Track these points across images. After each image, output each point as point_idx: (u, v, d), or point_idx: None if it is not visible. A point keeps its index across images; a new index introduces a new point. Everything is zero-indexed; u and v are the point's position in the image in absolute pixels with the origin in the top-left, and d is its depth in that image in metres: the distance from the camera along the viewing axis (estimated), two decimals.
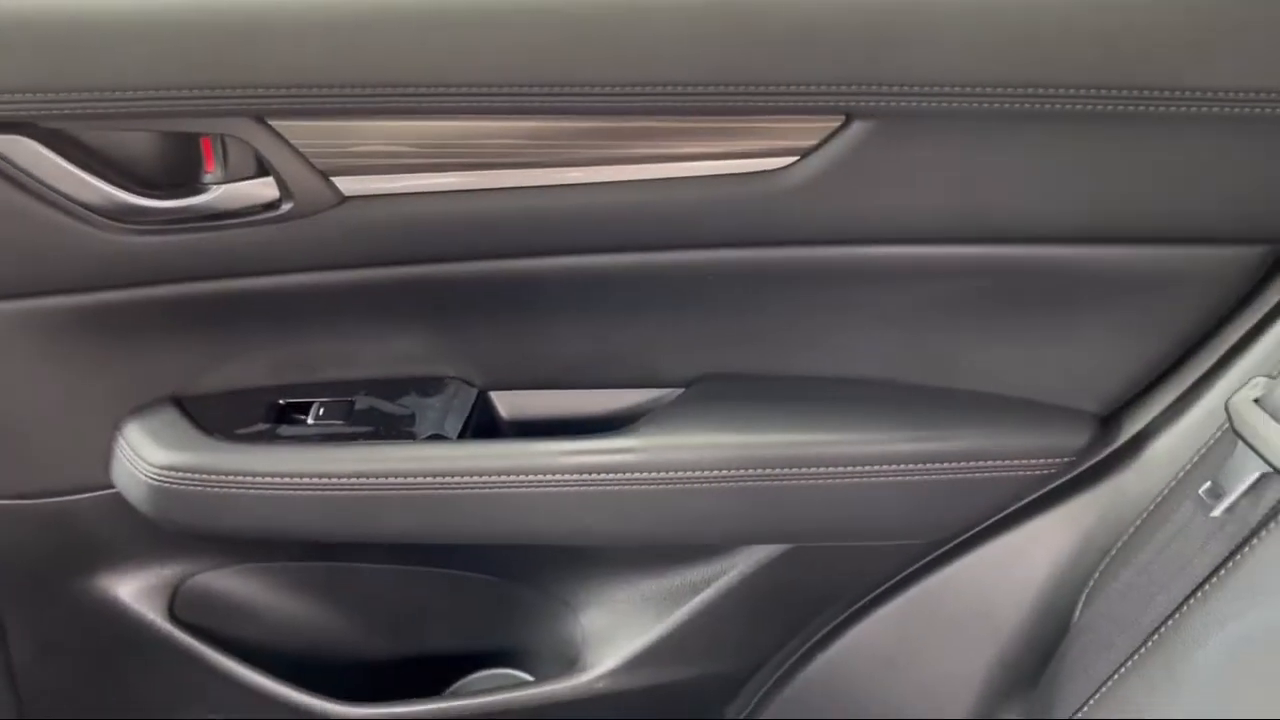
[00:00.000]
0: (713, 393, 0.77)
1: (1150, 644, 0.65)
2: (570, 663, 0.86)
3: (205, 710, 0.88)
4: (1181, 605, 0.64)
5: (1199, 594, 0.62)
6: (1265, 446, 0.59)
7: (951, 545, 0.81)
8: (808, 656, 0.87)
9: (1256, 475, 0.60)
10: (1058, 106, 0.61)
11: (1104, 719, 0.68)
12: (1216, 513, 0.62)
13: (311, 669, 0.87)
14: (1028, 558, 0.79)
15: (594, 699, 0.84)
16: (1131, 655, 0.67)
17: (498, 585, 0.89)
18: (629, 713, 0.86)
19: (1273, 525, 0.59)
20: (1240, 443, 0.62)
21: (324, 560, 0.87)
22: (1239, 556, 0.60)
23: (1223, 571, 0.61)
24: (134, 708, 0.89)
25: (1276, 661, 0.58)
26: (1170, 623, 0.65)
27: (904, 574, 0.82)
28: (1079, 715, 0.70)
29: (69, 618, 0.83)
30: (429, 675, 0.91)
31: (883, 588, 0.83)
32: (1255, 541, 0.59)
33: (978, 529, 0.80)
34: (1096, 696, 0.69)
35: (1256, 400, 0.62)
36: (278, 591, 0.86)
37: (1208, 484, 0.63)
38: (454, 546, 0.86)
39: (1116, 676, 0.68)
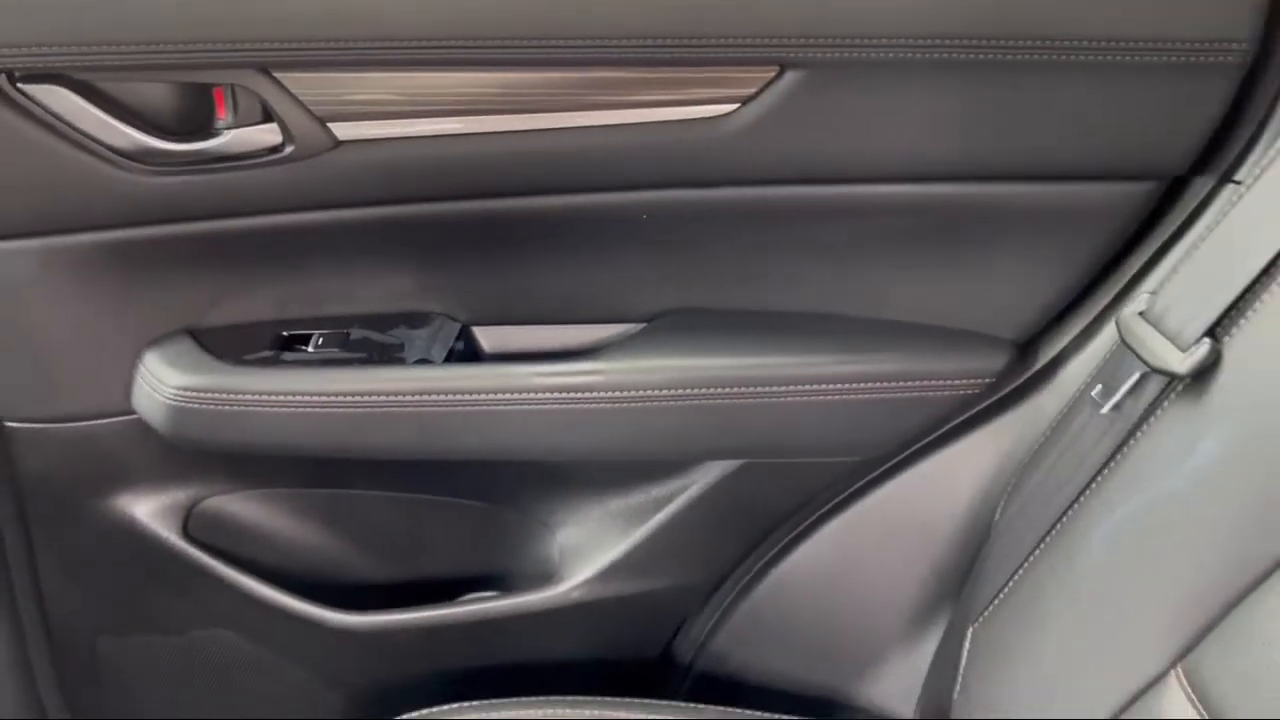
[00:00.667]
0: (673, 325, 0.85)
1: (1052, 535, 0.74)
2: (548, 578, 0.94)
3: (216, 623, 0.96)
4: (1078, 497, 0.72)
5: (1092, 485, 0.70)
6: (1145, 350, 0.67)
7: (887, 465, 0.89)
8: (763, 572, 0.95)
9: (1137, 376, 0.68)
10: (964, 56, 0.69)
11: (1013, 606, 0.76)
12: (1105, 410, 0.70)
13: (311, 587, 0.94)
14: (956, 473, 0.87)
15: (570, 608, 0.92)
16: (1036, 547, 0.75)
17: (481, 509, 0.97)
18: (603, 622, 0.94)
19: (1152, 419, 0.67)
20: (1128, 351, 0.70)
21: (322, 487, 0.95)
22: (1125, 449, 0.68)
23: (1112, 464, 0.69)
24: (152, 621, 0.96)
25: (1156, 540, 0.66)
26: (1069, 514, 0.73)
27: (846, 492, 0.90)
28: (993, 604, 0.78)
29: (92, 536, 0.91)
30: (419, 599, 0.98)
31: (828, 505, 0.91)
32: (1139, 434, 0.67)
33: (911, 449, 0.88)
34: (1008, 587, 0.77)
35: (1141, 313, 0.70)
36: (280, 516, 0.94)
37: (1099, 387, 0.71)
38: (441, 474, 0.94)
39: (1024, 568, 0.76)
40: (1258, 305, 0.61)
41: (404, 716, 0.83)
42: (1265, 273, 0.61)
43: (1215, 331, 0.63)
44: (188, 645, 0.98)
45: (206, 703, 1.03)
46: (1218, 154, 0.74)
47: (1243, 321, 0.62)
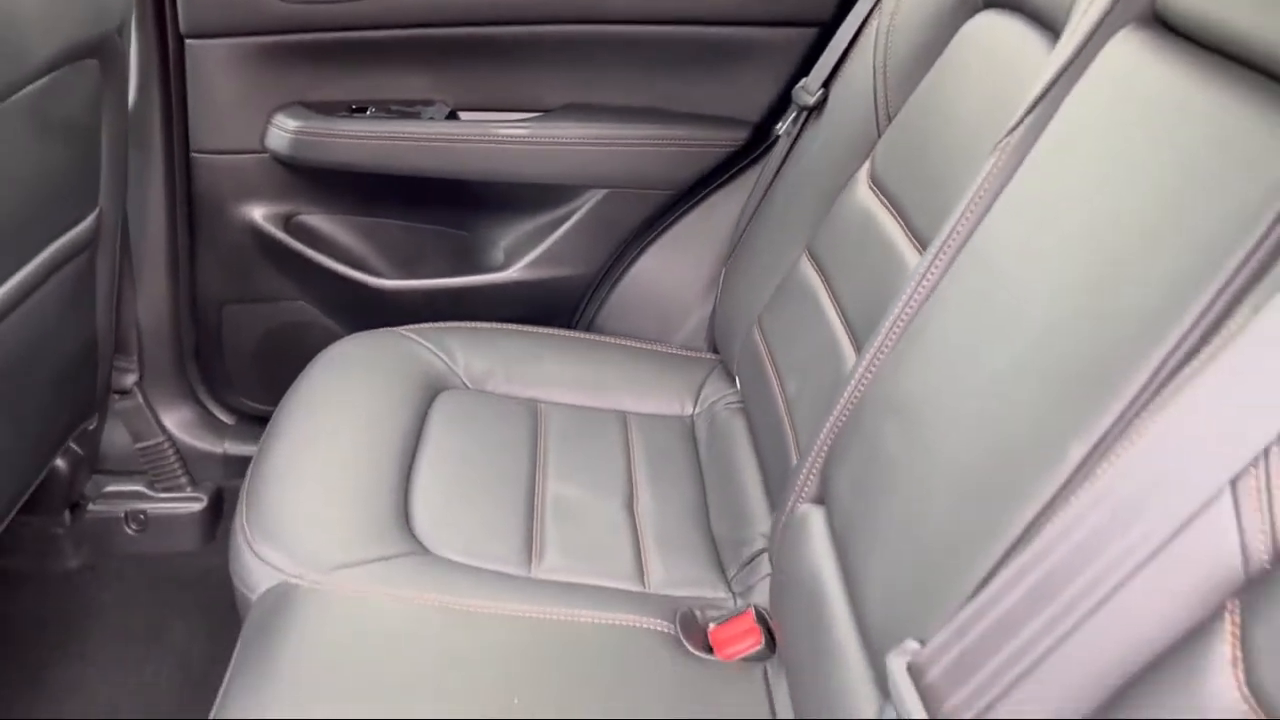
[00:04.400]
0: (567, 109, 1.44)
1: (760, 204, 1.33)
2: (498, 269, 1.52)
3: (298, 295, 1.51)
4: (774, 179, 1.32)
5: (778, 171, 1.30)
6: (800, 100, 1.28)
7: (688, 202, 1.48)
8: (624, 270, 1.55)
9: (794, 113, 1.28)
10: None
11: (740, 247, 1.35)
12: (780, 133, 1.30)
13: (357, 268, 1.51)
14: (727, 200, 1.48)
15: (511, 284, 1.52)
16: (753, 214, 1.35)
17: (457, 234, 1.55)
18: (531, 295, 1.53)
19: (800, 136, 1.27)
20: (795, 105, 1.30)
21: (365, 215, 1.51)
22: (790, 152, 1.29)
23: (784, 160, 1.29)
24: (259, 293, 1.52)
25: (804, 183, 1.25)
26: (768, 191, 1.32)
27: (666, 219, 1.50)
28: (731, 253, 1.37)
29: (229, 233, 1.47)
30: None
31: (657, 226, 1.51)
32: (795, 144, 1.28)
33: (702, 191, 1.47)
34: (738, 242, 1.37)
35: (803, 88, 1.30)
36: (341, 230, 1.52)
37: (780, 125, 1.31)
38: (434, 209, 1.51)
39: (746, 228, 1.36)
40: (843, 69, 1.22)
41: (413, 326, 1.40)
42: (845, 53, 1.21)
43: (827, 83, 1.24)
44: (278, 311, 1.54)
45: (284, 360, 1.58)
46: (851, 8, 1.35)
47: (838, 76, 1.23)
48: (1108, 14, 0.75)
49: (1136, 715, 0.52)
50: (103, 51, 1.09)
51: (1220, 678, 0.50)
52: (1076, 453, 0.59)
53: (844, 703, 0.70)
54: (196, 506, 1.59)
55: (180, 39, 1.34)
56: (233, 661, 0.90)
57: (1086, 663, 0.55)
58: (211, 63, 1.36)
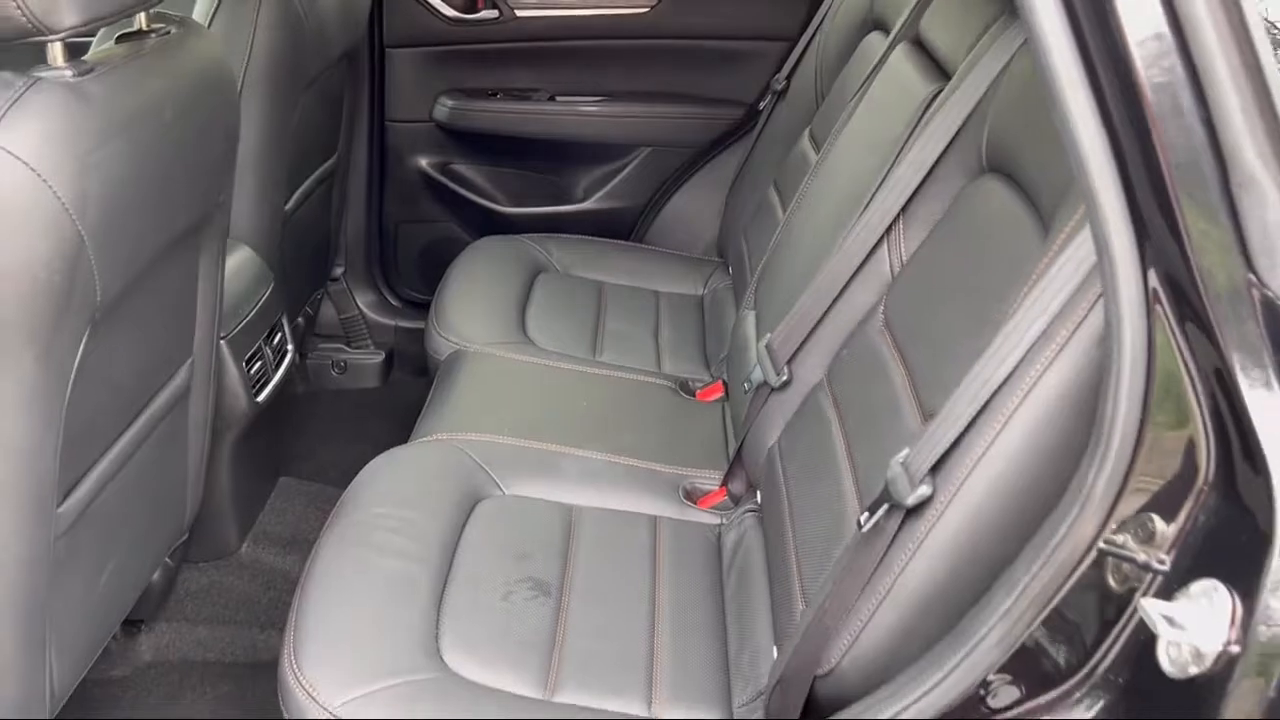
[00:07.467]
0: (626, 94, 2.08)
1: (746, 162, 1.95)
2: (578, 202, 2.16)
3: (449, 218, 2.17)
4: (755, 144, 1.93)
5: (759, 137, 1.92)
6: (774, 85, 1.88)
7: (705, 157, 2.12)
8: (663, 204, 2.19)
9: (771, 98, 1.90)
10: None
11: (737, 192, 1.97)
12: (762, 109, 1.92)
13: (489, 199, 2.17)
14: (729, 159, 2.10)
15: (588, 211, 2.16)
16: (741, 170, 1.96)
17: (553, 179, 2.20)
18: (600, 220, 2.16)
19: (775, 107, 1.89)
20: (772, 93, 1.91)
21: (495, 165, 2.17)
22: (774, 109, 1.90)
23: (764, 127, 1.91)
24: (423, 215, 2.19)
25: (770, 155, 1.87)
26: (751, 152, 1.94)
27: (690, 169, 2.14)
28: (734, 181, 1.99)
29: (408, 174, 2.14)
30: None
31: (684, 174, 2.14)
32: (775, 107, 1.89)
33: (710, 152, 2.09)
34: (733, 186, 1.98)
35: (776, 78, 1.91)
36: (480, 175, 2.17)
37: (765, 104, 1.93)
38: (537, 158, 2.15)
39: (737, 177, 1.97)
40: (799, 67, 1.84)
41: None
42: (800, 57, 1.83)
43: (789, 76, 1.87)
44: (433, 230, 2.21)
45: (437, 263, 2.23)
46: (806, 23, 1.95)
47: (797, 72, 1.84)
48: (897, 34, 1.36)
49: (844, 353, 1.14)
50: (353, 54, 1.75)
51: (878, 318, 1.12)
52: (840, 238, 1.21)
53: (742, 374, 1.34)
54: (377, 359, 2.28)
55: (383, 48, 2.02)
56: (432, 389, 1.55)
57: (830, 331, 1.17)
58: (402, 63, 2.05)
